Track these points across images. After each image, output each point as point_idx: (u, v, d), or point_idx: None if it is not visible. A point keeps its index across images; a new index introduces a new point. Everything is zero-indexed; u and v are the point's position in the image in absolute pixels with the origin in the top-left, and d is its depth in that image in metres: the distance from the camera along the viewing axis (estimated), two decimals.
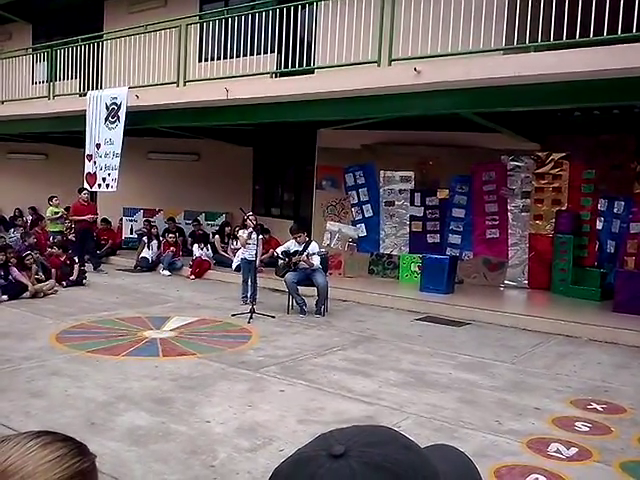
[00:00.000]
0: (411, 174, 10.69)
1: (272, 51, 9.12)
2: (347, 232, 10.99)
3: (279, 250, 8.70)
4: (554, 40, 6.60)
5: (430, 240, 10.63)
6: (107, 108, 10.70)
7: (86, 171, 11.24)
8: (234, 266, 11.04)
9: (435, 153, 10.31)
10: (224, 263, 11.70)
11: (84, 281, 10.12)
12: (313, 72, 8.82)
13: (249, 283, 8.77)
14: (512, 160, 10.09)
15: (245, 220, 9.03)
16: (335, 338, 7.04)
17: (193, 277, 11.20)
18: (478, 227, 10.36)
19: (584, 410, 4.87)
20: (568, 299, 9.11)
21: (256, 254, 8.65)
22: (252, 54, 9.34)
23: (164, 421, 4.31)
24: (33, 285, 8.95)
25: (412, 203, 10.72)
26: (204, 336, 6.90)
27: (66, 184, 13.35)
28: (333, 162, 10.91)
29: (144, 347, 6.35)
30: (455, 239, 10.53)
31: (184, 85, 10.05)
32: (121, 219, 14.28)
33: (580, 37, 6.29)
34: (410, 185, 10.72)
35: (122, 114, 10.47)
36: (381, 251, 10.90)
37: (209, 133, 12.14)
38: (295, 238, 8.47)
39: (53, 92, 12.18)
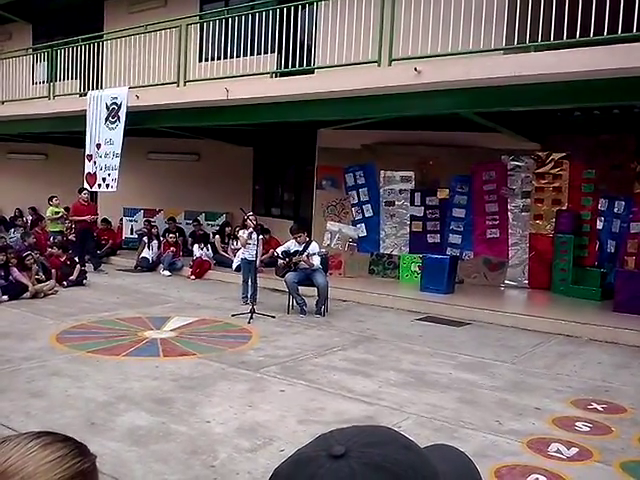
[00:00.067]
0: (411, 174, 10.68)
1: (272, 51, 9.12)
2: (347, 232, 10.99)
3: (279, 250, 8.70)
4: (554, 40, 6.59)
5: (430, 240, 10.63)
6: (107, 108, 10.70)
7: (86, 171, 11.24)
8: (234, 266, 11.04)
9: (435, 153, 10.31)
10: (224, 263, 11.70)
11: (84, 281, 10.12)
12: (313, 72, 8.83)
13: (249, 283, 8.77)
14: (512, 160, 10.09)
15: (245, 220, 9.04)
16: (335, 338, 7.04)
17: (193, 277, 11.20)
18: (478, 227, 10.36)
19: (584, 410, 4.87)
20: (568, 299, 9.11)
21: (256, 254, 8.66)
22: (252, 54, 9.34)
23: (164, 421, 4.31)
24: (33, 285, 8.95)
25: (412, 203, 10.72)
26: (204, 336, 6.90)
27: (66, 184, 13.35)
28: (333, 162, 10.90)
29: (144, 347, 6.35)
30: (455, 239, 10.53)
31: (184, 85, 10.05)
32: (121, 219, 14.28)
33: (580, 37, 6.29)
34: (410, 185, 10.72)
35: (122, 114, 10.47)
36: (381, 251, 10.90)
37: (209, 133, 12.14)
38: (295, 238, 8.47)
39: (53, 92, 12.19)
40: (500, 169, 10.15)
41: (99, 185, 11.07)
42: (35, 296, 8.82)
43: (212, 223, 13.84)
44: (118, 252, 13.38)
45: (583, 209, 9.71)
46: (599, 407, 4.94)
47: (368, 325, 7.76)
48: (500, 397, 5.10)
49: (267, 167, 13.72)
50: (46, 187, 14.28)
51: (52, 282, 9.48)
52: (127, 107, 10.39)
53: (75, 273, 10.03)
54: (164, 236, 12.50)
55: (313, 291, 8.38)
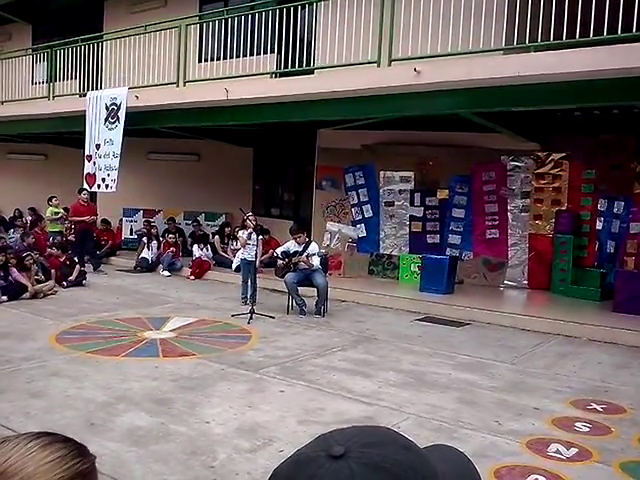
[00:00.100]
0: (411, 174, 10.69)
1: (272, 51, 9.12)
2: (347, 232, 10.99)
3: (279, 251, 8.70)
4: (554, 39, 6.59)
5: (430, 240, 10.63)
6: (107, 108, 10.70)
7: (85, 171, 11.25)
8: (234, 267, 11.04)
9: (435, 153, 10.31)
10: (224, 264, 11.70)
11: (84, 282, 10.12)
12: (313, 72, 8.83)
13: (249, 284, 8.76)
14: (512, 160, 10.09)
15: (245, 220, 9.04)
16: (335, 338, 7.04)
17: (193, 278, 11.20)
18: (478, 227, 10.36)
19: (584, 410, 4.87)
20: (568, 299, 9.11)
21: (256, 255, 8.65)
22: (252, 54, 9.35)
23: (164, 422, 4.31)
24: (33, 286, 8.95)
25: (412, 203, 10.72)
26: (204, 337, 6.90)
27: (66, 184, 13.35)
28: (333, 162, 10.91)
29: (144, 348, 6.35)
30: (455, 239, 10.53)
31: (184, 85, 10.05)
32: (121, 220, 14.28)
33: (580, 36, 6.30)
34: (410, 185, 10.72)
35: (122, 114, 10.48)
36: (381, 251, 10.90)
37: (209, 133, 12.14)
38: (295, 238, 8.47)
39: (53, 92, 12.19)
40: (500, 169, 10.15)
41: (98, 185, 11.08)
42: (34, 296, 8.82)
43: (212, 223, 13.84)
44: (117, 252, 13.37)
45: (583, 209, 9.71)
46: (598, 407, 4.94)
47: (367, 325, 7.76)
48: (499, 397, 5.10)
49: (267, 167, 13.72)
50: (46, 187, 14.27)
51: (51, 282, 9.48)
52: (127, 107, 10.39)
53: (74, 273, 10.03)
54: (164, 236, 12.50)
55: (313, 291, 8.38)
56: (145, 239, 12.35)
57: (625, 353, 6.80)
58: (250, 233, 8.77)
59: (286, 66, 8.81)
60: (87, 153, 11.17)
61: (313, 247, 8.42)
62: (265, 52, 9.22)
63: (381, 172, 10.79)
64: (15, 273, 8.86)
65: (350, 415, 4.58)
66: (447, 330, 7.70)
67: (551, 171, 9.88)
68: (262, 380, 5.37)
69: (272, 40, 8.94)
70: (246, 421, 4.38)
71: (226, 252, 12.13)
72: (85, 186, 11.29)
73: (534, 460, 3.90)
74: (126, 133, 10.56)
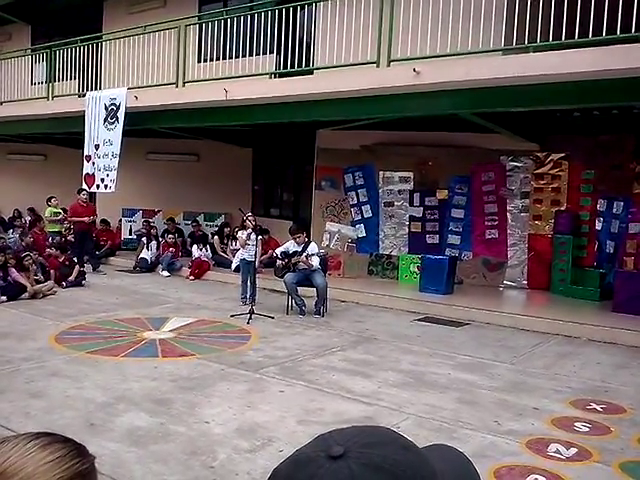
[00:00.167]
0: (410, 175, 10.69)
1: (271, 52, 9.12)
2: (346, 233, 10.99)
3: (278, 251, 8.70)
4: (553, 40, 6.59)
5: (429, 240, 10.64)
6: (106, 109, 10.70)
7: (85, 172, 11.24)
8: (233, 267, 11.03)
9: (434, 153, 10.31)
10: (223, 264, 11.70)
11: (83, 282, 10.12)
12: (312, 73, 8.83)
13: (248, 284, 8.76)
14: (511, 160, 10.09)
15: (244, 221, 9.03)
16: (334, 339, 7.04)
17: (192, 278, 11.20)
18: (477, 227, 10.36)
19: (583, 410, 4.87)
20: (567, 299, 9.11)
21: (255, 255, 8.65)
22: (251, 55, 9.35)
23: (163, 422, 4.31)
24: (32, 286, 8.95)
25: (411, 204, 10.72)
26: (203, 337, 6.90)
27: (65, 185, 13.35)
28: (332, 163, 10.91)
29: (143, 348, 6.35)
30: (454, 239, 10.53)
31: (183, 86, 10.05)
32: (120, 220, 14.28)
33: (579, 37, 6.30)
34: (409, 186, 10.72)
35: (121, 115, 10.48)
36: (380, 252, 10.90)
37: (208, 134, 12.14)
38: (294, 239, 8.47)
39: (52, 93, 12.18)
40: (499, 170, 10.16)
41: (97, 186, 11.07)
42: (34, 297, 8.82)
43: (211, 224, 13.85)
44: (117, 253, 13.37)
45: (582, 210, 9.71)
46: (598, 407, 4.94)
47: (367, 325, 7.76)
48: (499, 397, 5.10)
49: (266, 168, 13.72)
50: (45, 188, 14.26)
51: (51, 283, 9.48)
52: (126, 108, 10.39)
53: (74, 274, 10.03)
54: (163, 237, 12.50)
55: (312, 292, 8.38)
56: (144, 239, 12.35)
57: (624, 353, 6.81)
58: (249, 233, 8.77)
59: (285, 66, 8.81)
60: (86, 153, 11.17)
61: (312, 247, 8.42)
62: (264, 52, 9.22)
63: (380, 172, 10.79)
64: (14, 273, 8.86)
65: (350, 415, 4.58)
66: (447, 330, 7.70)
67: (550, 171, 9.89)
68: (262, 380, 5.37)
69: (271, 40, 8.94)
70: (246, 421, 4.38)
71: (225, 252, 12.14)
72: (84, 186, 11.28)
73: (534, 460, 3.90)
74: (125, 133, 10.56)
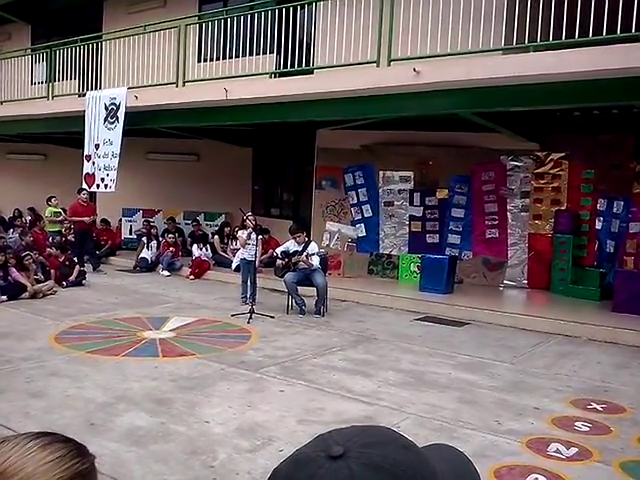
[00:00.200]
0: (410, 174, 10.69)
1: (271, 51, 9.11)
2: (346, 232, 10.99)
3: (278, 250, 8.71)
4: (553, 40, 6.59)
5: (429, 240, 10.63)
6: (106, 108, 10.70)
7: (85, 171, 11.24)
8: (233, 266, 11.04)
9: (434, 153, 10.31)
10: (223, 263, 11.70)
11: (83, 281, 10.12)
12: (312, 72, 8.83)
13: (248, 283, 8.76)
14: (511, 160, 10.09)
15: (244, 220, 9.03)
16: (334, 338, 7.04)
17: (192, 277, 11.20)
18: (477, 227, 10.36)
19: (584, 410, 4.87)
20: (567, 299, 9.11)
21: (255, 254, 8.65)
22: (251, 54, 9.35)
23: (164, 421, 4.31)
24: (32, 286, 8.95)
25: (411, 203, 10.72)
26: (203, 336, 6.90)
27: (65, 184, 13.35)
28: (332, 162, 10.91)
29: (143, 347, 6.35)
30: (454, 239, 10.53)
31: (183, 85, 10.05)
32: (120, 219, 14.28)
33: (579, 37, 6.30)
34: (409, 185, 10.72)
35: (121, 114, 10.47)
36: (380, 251, 10.90)
37: (208, 133, 12.14)
38: (294, 238, 8.47)
39: (52, 92, 12.18)
40: (499, 169, 10.15)
41: (97, 185, 11.07)
42: (34, 296, 8.82)
43: (211, 223, 13.85)
44: (117, 252, 13.37)
45: (582, 209, 9.71)
46: (598, 407, 4.94)
47: (367, 325, 7.76)
48: (499, 397, 5.10)
49: (266, 167, 13.72)
50: (45, 187, 14.27)
51: (51, 282, 9.48)
52: (126, 107, 10.39)
53: (74, 273, 10.03)
54: (163, 236, 12.50)
55: (312, 291, 8.38)
56: (145, 239, 12.35)
57: (625, 353, 6.81)
58: (250, 233, 8.77)
59: (285, 66, 8.81)
60: (86, 153, 11.17)
61: (312, 247, 8.42)
62: (264, 52, 9.22)
63: (380, 172, 10.79)
64: (14, 273, 8.86)
65: (350, 415, 4.58)
66: (447, 330, 7.70)
67: (550, 171, 9.89)
68: (262, 380, 5.37)
69: (271, 40, 8.94)
70: (246, 421, 4.38)
71: (226, 252, 12.14)
72: (84, 186, 11.28)
73: (534, 460, 3.90)
74: (125, 133, 10.56)
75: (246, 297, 8.79)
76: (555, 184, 9.87)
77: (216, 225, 13.61)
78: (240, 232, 9.35)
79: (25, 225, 14.00)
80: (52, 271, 9.98)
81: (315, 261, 8.29)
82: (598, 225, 9.59)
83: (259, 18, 9.11)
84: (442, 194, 10.57)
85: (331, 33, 8.27)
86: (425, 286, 9.43)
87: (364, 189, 10.88)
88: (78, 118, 11.07)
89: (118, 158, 10.61)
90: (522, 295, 9.87)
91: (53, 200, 12.25)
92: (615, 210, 9.40)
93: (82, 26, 12.91)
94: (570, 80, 6.34)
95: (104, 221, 13.50)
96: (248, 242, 8.81)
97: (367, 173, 10.84)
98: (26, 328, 7.03)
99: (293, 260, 8.31)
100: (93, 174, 11.05)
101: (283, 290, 8.63)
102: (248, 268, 8.79)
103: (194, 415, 4.46)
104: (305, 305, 8.30)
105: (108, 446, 3.82)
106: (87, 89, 11.42)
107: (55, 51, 12.08)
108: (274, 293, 9.45)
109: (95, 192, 11.87)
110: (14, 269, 8.91)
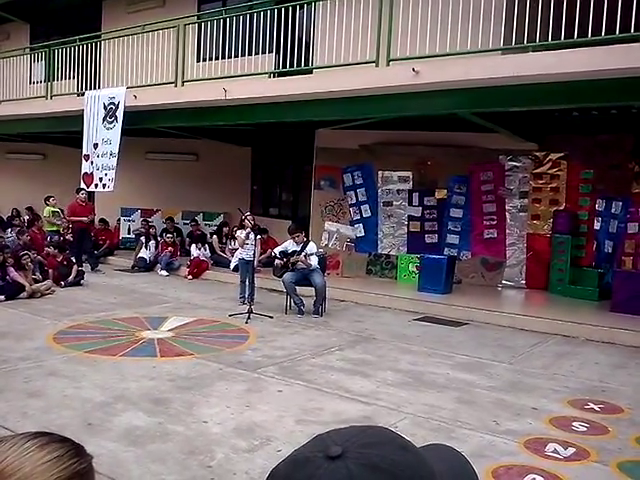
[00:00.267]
0: (409, 174, 10.69)
1: (270, 51, 9.12)
2: (345, 232, 10.99)
3: (277, 250, 8.71)
4: (552, 40, 6.60)
5: (428, 240, 10.64)
6: (105, 108, 10.69)
7: (83, 171, 11.23)
8: (232, 266, 11.03)
9: (433, 153, 10.31)
10: (222, 263, 11.70)
11: (82, 281, 10.11)
12: (311, 72, 8.83)
13: (247, 283, 8.76)
14: (510, 160, 10.09)
15: (243, 220, 9.03)
16: (333, 338, 7.04)
17: (191, 277, 11.19)
18: (476, 227, 10.37)
19: (581, 410, 4.87)
20: (566, 299, 9.12)
21: (254, 254, 8.64)
22: (250, 54, 9.34)
23: (162, 421, 4.30)
24: (30, 285, 8.94)
25: (410, 203, 10.73)
26: (202, 336, 6.89)
27: (64, 184, 13.34)
28: (331, 162, 10.91)
29: (142, 347, 6.34)
30: (453, 239, 10.54)
31: (182, 85, 10.05)
32: (119, 219, 14.27)
33: (578, 37, 6.30)
34: (408, 185, 10.73)
35: (120, 114, 10.47)
36: (379, 251, 10.90)
37: (207, 133, 12.14)
38: (293, 238, 8.47)
39: (51, 92, 12.17)
40: (498, 169, 10.16)
41: (96, 185, 11.06)
42: (32, 296, 8.81)
43: (210, 223, 13.84)
44: (115, 252, 13.36)
45: (580, 209, 9.72)
46: (596, 407, 4.95)
47: (366, 325, 7.76)
48: (497, 397, 5.10)
49: (265, 167, 13.72)
50: (44, 187, 14.26)
51: (49, 282, 9.47)
52: (125, 107, 10.38)
53: (73, 273, 10.02)
54: (161, 236, 12.50)
55: (311, 291, 8.37)
56: (143, 239, 12.34)
57: (623, 353, 6.81)
58: (248, 233, 8.76)
59: (284, 66, 8.81)
60: (85, 152, 11.16)
61: (311, 247, 8.42)
62: (263, 52, 9.21)
63: (379, 172, 10.79)
64: (12, 272, 8.85)
65: (348, 415, 4.58)
66: (445, 330, 7.70)
67: (549, 171, 9.89)
68: (260, 380, 5.37)
69: (270, 40, 8.94)
70: (244, 421, 4.38)
71: (224, 252, 12.13)
72: (82, 185, 11.27)
73: (532, 460, 3.90)
74: (124, 133, 10.55)
75: (244, 297, 8.79)
76: (554, 184, 9.88)
77: (215, 225, 13.61)
78: (239, 232, 9.35)
79: (23, 224, 13.99)
80: (50, 271, 9.97)
81: (314, 261, 8.29)
82: (597, 225, 9.60)
83: (258, 18, 9.11)
84: (441, 194, 10.57)
85: (330, 33, 8.28)
86: (424, 286, 9.44)
87: (363, 189, 10.89)
88: (77, 117, 11.06)
89: (117, 158, 10.60)
90: (520, 295, 9.87)
91: (51, 200, 12.24)
92: (614, 210, 9.42)
93: (81, 25, 12.91)
94: (569, 80, 6.35)
95: (102, 221, 13.49)
96: (247, 242, 8.80)
97: (366, 173, 10.84)
98: (24, 328, 7.02)
99: (292, 260, 8.31)
100: (92, 174, 11.04)
101: (282, 290, 8.63)
102: (247, 268, 8.79)
103: (192, 415, 4.45)
104: (304, 305, 8.30)
105: (106, 446, 3.82)
106: (86, 88, 11.41)
107: (54, 50, 12.07)
108: (272, 293, 9.45)
109: (93, 192, 11.86)
110: (12, 269, 8.90)
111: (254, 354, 6.22)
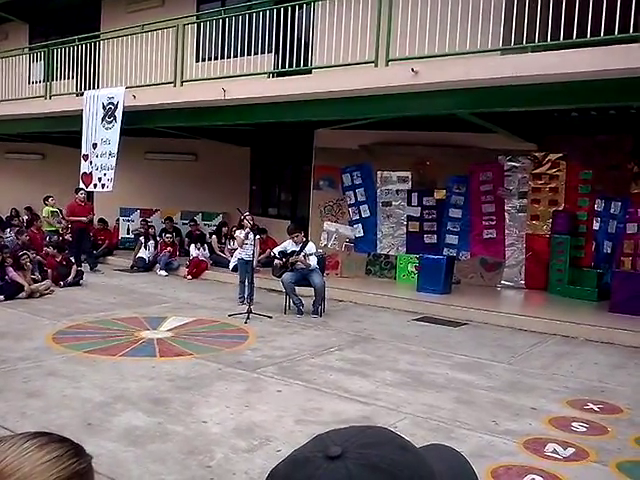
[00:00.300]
0: (408, 174, 10.69)
1: (269, 51, 9.11)
2: (344, 232, 10.99)
3: (276, 250, 8.71)
4: (551, 40, 6.60)
5: (427, 240, 10.64)
6: (104, 108, 10.68)
7: (82, 171, 11.22)
8: (231, 266, 11.03)
9: (432, 153, 10.31)
10: (221, 263, 11.70)
11: (81, 281, 10.11)
12: (310, 72, 8.83)
13: (246, 283, 8.76)
14: (509, 160, 10.10)
15: (242, 220, 9.03)
16: (332, 338, 7.04)
17: (190, 277, 11.19)
18: (475, 227, 10.37)
19: (581, 410, 4.87)
20: (565, 299, 9.13)
21: (253, 254, 8.64)
22: (249, 54, 9.34)
23: (161, 421, 4.30)
24: (29, 285, 8.93)
25: (409, 203, 10.73)
26: (201, 336, 6.89)
27: (63, 184, 13.33)
28: (330, 162, 10.91)
29: (141, 347, 6.34)
30: (452, 239, 10.54)
31: (181, 85, 10.04)
32: (118, 219, 14.27)
33: (577, 38, 6.31)
34: (407, 185, 10.73)
35: (119, 114, 10.46)
36: (378, 251, 10.90)
37: (206, 133, 12.13)
38: (292, 238, 8.47)
39: (50, 92, 12.16)
40: (497, 170, 10.17)
41: (95, 185, 11.05)
42: (31, 296, 8.81)
43: (209, 223, 13.84)
44: (114, 252, 13.35)
45: (580, 210, 9.73)
46: (595, 407, 4.95)
47: (365, 325, 7.76)
48: (497, 397, 5.11)
49: (264, 167, 13.71)
50: (43, 187, 14.25)
51: (48, 282, 9.46)
52: (124, 107, 10.37)
53: (72, 273, 10.01)
54: (161, 236, 12.49)
55: (310, 291, 8.38)
56: (142, 239, 12.34)
57: (622, 353, 6.82)
58: (247, 233, 8.76)
59: (283, 66, 8.81)
60: (84, 152, 11.15)
61: (310, 247, 8.42)
62: (262, 52, 9.21)
63: (378, 172, 10.79)
64: (11, 272, 8.84)
65: (347, 415, 4.58)
66: (444, 330, 7.70)
67: (548, 171, 9.90)
68: (259, 380, 5.37)
69: (269, 40, 8.93)
70: (243, 421, 4.38)
71: (223, 252, 12.13)
72: (81, 185, 11.27)
73: (531, 460, 3.90)
74: (123, 132, 10.54)
75: (244, 297, 8.78)
76: (553, 185, 9.88)
77: (214, 225, 13.60)
78: (238, 232, 9.35)
79: (22, 224, 13.99)
80: (49, 271, 9.97)
81: (313, 261, 8.29)
82: (595, 226, 9.61)
83: (257, 18, 9.11)
84: (440, 194, 10.57)
85: (329, 33, 8.27)
86: (423, 286, 9.44)
87: (362, 189, 10.89)
88: (76, 117, 11.06)
89: (116, 158, 10.59)
90: (519, 295, 9.88)
91: (50, 200, 12.24)
92: (612, 211, 9.42)
93: (80, 25, 12.90)
94: (568, 80, 6.35)
95: (101, 221, 13.49)
96: (246, 242, 8.80)
97: (365, 173, 10.85)
98: (23, 328, 7.02)
99: (291, 260, 8.31)
100: (90, 173, 11.03)
101: (281, 290, 8.63)
102: (246, 268, 8.79)
103: (191, 415, 4.45)
104: (303, 305, 8.30)
105: (105, 446, 3.81)
106: (85, 88, 11.40)
107: (53, 50, 12.06)
108: (272, 293, 9.45)
109: (92, 192, 11.85)
110: (11, 268, 8.89)
111: (253, 354, 6.22)
